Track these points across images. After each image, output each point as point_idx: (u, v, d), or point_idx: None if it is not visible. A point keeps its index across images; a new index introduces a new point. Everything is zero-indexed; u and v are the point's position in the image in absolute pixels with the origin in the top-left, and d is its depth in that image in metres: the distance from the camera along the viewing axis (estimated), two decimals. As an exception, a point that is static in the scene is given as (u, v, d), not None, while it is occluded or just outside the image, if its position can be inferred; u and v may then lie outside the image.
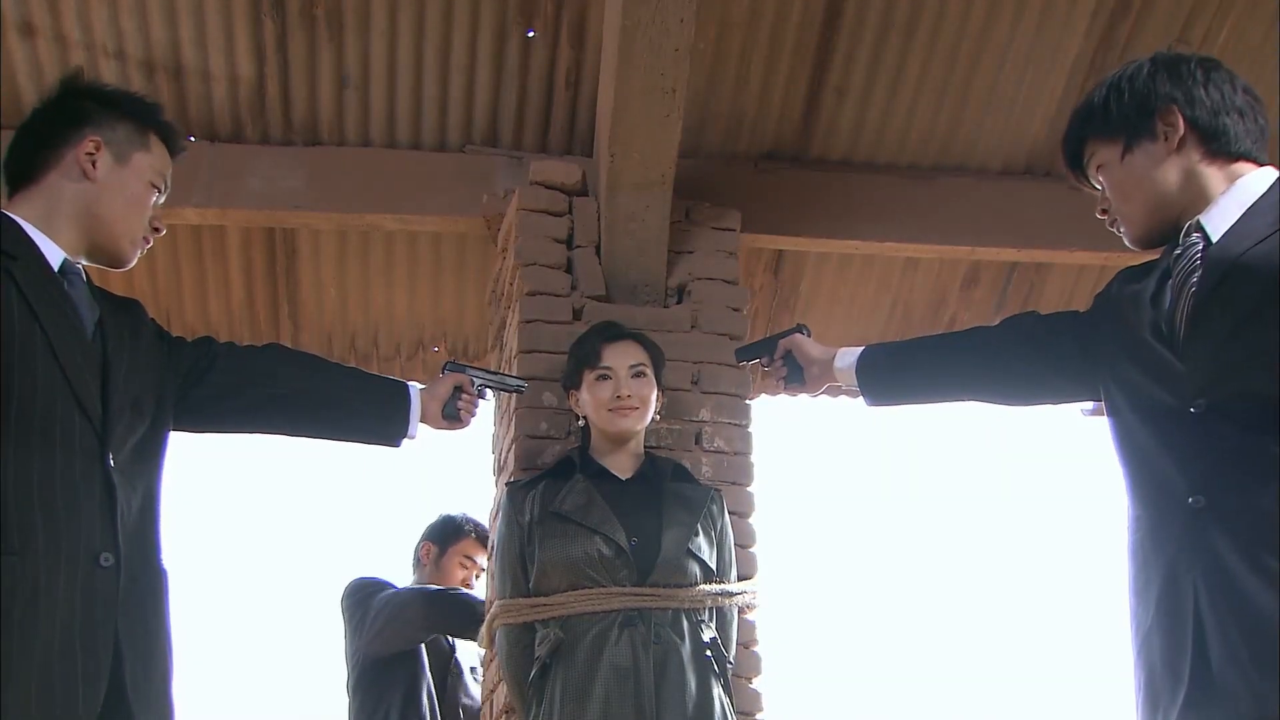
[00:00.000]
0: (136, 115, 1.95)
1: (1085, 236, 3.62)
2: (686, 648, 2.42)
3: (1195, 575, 1.52)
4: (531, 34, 3.34)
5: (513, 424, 3.00)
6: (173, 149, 2.00)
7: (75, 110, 1.90)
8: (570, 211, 3.22)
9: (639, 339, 2.73)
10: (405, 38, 3.33)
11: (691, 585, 2.48)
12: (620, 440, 2.66)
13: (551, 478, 2.64)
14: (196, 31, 3.28)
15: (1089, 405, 4.23)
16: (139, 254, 1.95)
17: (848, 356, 2.28)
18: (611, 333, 2.73)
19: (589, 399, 2.65)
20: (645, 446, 2.74)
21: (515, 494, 2.64)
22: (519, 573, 2.56)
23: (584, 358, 2.69)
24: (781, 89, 3.49)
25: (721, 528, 2.65)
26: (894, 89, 3.52)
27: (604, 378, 2.64)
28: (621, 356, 2.66)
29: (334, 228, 3.67)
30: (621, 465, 2.66)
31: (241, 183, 3.42)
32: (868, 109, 3.57)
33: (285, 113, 3.45)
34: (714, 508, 2.65)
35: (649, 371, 2.67)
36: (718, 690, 2.44)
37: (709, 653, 2.47)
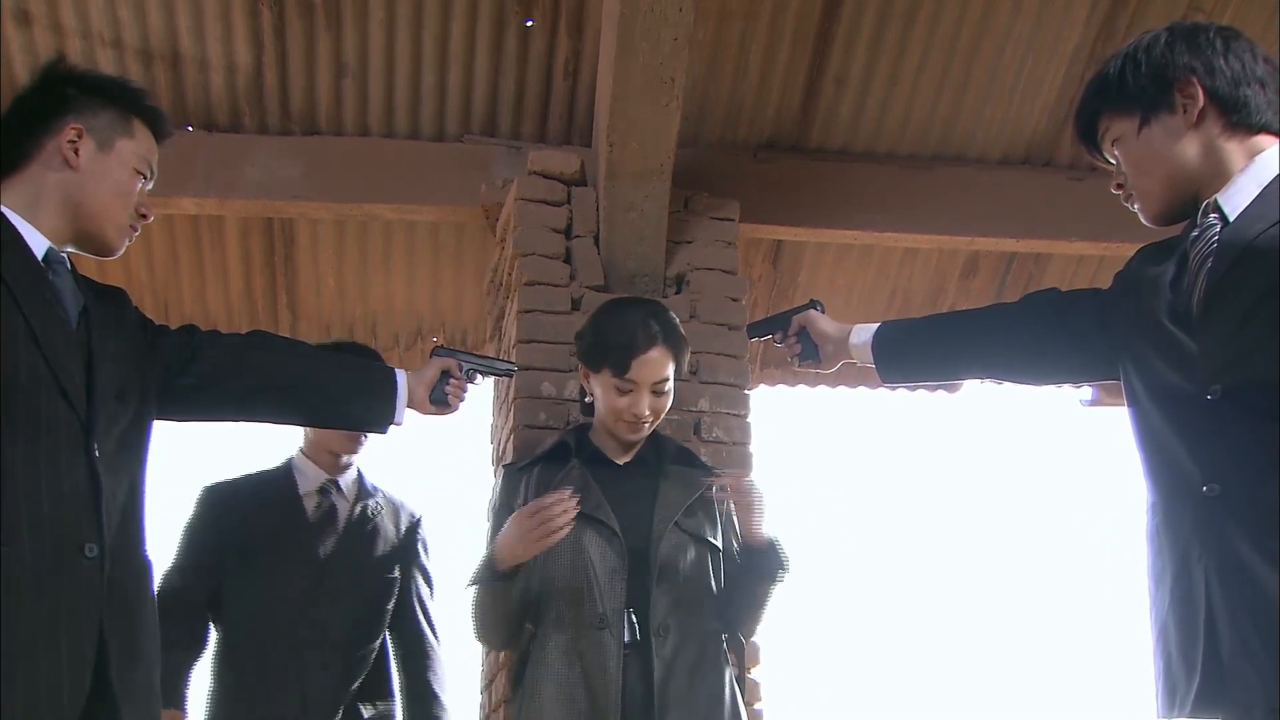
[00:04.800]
0: (119, 101, 1.91)
1: (1084, 226, 3.63)
2: (684, 638, 2.40)
3: (1207, 563, 1.51)
4: (530, 23, 3.33)
5: (511, 414, 3.00)
6: (158, 134, 1.96)
7: (56, 97, 1.86)
8: (569, 201, 3.21)
9: (671, 345, 2.51)
10: (403, 27, 3.32)
11: (688, 574, 2.46)
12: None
13: (547, 461, 2.59)
14: (194, 20, 3.27)
15: (1087, 396, 4.25)
16: (127, 242, 1.93)
17: (863, 333, 2.23)
18: (644, 343, 2.48)
19: (603, 397, 2.53)
20: None
21: (510, 477, 2.61)
22: None
23: (611, 360, 2.49)
24: (780, 78, 3.49)
25: (725, 508, 2.56)
26: (893, 78, 3.52)
27: (625, 390, 2.49)
28: (649, 372, 2.48)
29: (332, 217, 3.67)
30: (619, 449, 2.61)
31: (239, 172, 3.41)
32: (867, 98, 3.56)
33: (283, 102, 3.44)
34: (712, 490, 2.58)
35: (671, 382, 2.54)
36: (729, 676, 2.42)
37: (710, 643, 2.45)
